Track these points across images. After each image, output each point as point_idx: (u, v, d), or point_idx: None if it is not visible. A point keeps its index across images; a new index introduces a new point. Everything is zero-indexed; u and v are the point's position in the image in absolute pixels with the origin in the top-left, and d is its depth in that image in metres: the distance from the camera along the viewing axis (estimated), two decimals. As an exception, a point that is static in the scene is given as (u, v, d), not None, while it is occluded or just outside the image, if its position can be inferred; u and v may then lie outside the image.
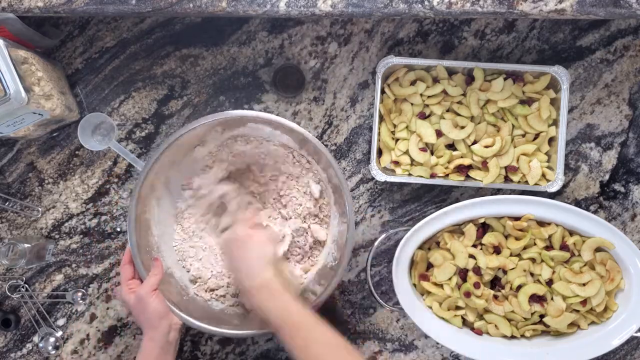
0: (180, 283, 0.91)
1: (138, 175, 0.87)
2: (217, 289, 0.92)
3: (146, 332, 0.81)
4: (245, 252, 0.79)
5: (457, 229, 0.92)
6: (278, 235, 0.90)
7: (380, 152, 0.94)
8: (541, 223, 0.91)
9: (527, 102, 0.92)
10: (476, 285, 0.89)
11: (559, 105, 0.90)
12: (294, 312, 0.73)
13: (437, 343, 0.90)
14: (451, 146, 0.93)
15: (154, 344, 0.80)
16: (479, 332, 0.91)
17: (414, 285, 0.93)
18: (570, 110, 0.96)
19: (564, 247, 0.90)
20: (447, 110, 0.93)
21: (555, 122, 0.91)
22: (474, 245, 0.91)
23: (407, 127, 0.92)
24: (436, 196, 0.98)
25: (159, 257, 0.89)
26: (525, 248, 0.90)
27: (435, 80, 0.93)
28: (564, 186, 0.97)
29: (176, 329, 0.83)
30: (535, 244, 0.91)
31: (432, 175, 0.92)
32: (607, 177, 0.97)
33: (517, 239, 0.90)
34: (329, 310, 0.98)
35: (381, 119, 0.93)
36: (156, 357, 0.79)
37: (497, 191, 0.97)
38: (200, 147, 0.90)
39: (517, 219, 0.90)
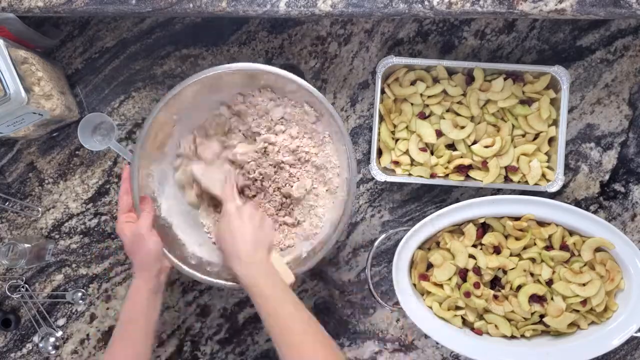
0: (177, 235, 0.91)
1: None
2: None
3: (138, 272, 0.81)
4: (258, 226, 0.83)
5: (457, 229, 0.92)
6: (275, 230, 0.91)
7: (380, 152, 0.94)
8: (541, 223, 0.91)
9: (527, 102, 0.92)
10: (476, 285, 0.89)
11: (559, 105, 0.90)
12: (279, 295, 0.77)
13: (437, 343, 0.90)
14: (451, 146, 0.93)
15: (145, 284, 0.80)
16: (479, 332, 0.91)
17: (414, 285, 0.93)
18: (570, 110, 0.96)
19: (564, 247, 0.90)
20: (447, 110, 0.93)
21: (555, 122, 0.91)
22: (474, 245, 0.91)
23: (407, 127, 0.92)
24: (436, 196, 0.98)
25: (147, 196, 0.86)
26: (525, 248, 0.91)
27: (435, 80, 0.93)
28: (564, 186, 0.97)
29: (166, 272, 0.84)
30: (535, 244, 0.91)
31: (432, 175, 0.92)
32: (607, 177, 0.97)
33: (517, 239, 0.90)
34: (328, 310, 0.99)
35: (381, 119, 0.93)
36: (147, 298, 0.80)
37: (497, 191, 0.97)
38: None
39: (517, 219, 0.90)
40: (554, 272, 0.90)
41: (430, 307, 0.92)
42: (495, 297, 0.90)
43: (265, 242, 0.83)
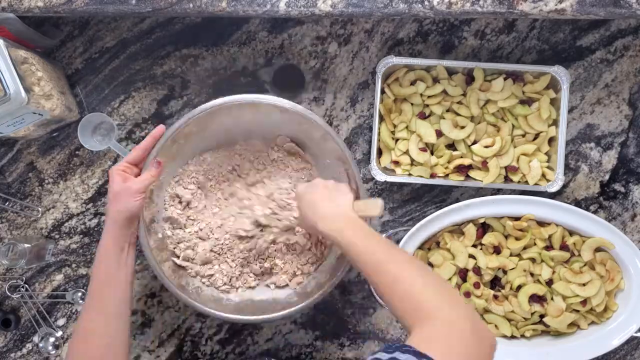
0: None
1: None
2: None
3: (109, 225, 0.78)
4: (337, 192, 0.80)
5: (457, 229, 0.92)
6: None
7: (380, 152, 0.94)
8: (541, 223, 0.91)
9: (527, 102, 0.92)
10: (476, 285, 0.89)
11: (559, 105, 0.90)
12: (380, 246, 0.70)
13: (437, 343, 0.90)
14: (451, 146, 0.93)
15: (115, 242, 0.78)
16: (479, 332, 0.91)
17: (414, 285, 0.93)
18: (570, 110, 0.96)
19: (564, 247, 0.90)
20: (447, 110, 0.93)
21: (555, 122, 0.91)
22: (474, 245, 0.91)
23: (407, 127, 0.92)
24: (436, 196, 0.98)
25: (162, 161, 0.84)
26: (525, 248, 0.91)
27: (435, 80, 0.93)
28: (564, 186, 0.97)
29: (135, 233, 0.82)
30: (535, 244, 0.91)
31: (432, 175, 0.92)
32: (607, 177, 0.97)
33: (517, 239, 0.90)
34: (328, 310, 0.99)
35: (381, 119, 0.93)
36: (118, 255, 0.77)
37: (497, 191, 0.97)
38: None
39: (517, 219, 0.90)
40: (554, 272, 0.90)
41: (430, 307, 0.92)
42: (495, 297, 0.90)
43: (347, 200, 0.78)
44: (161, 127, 0.83)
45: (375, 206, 0.79)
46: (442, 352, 0.54)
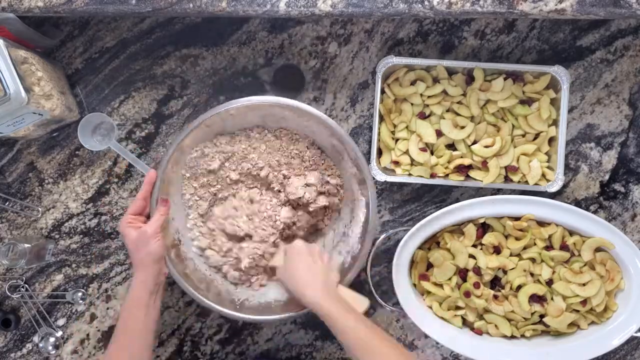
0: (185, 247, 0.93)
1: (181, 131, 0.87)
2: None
3: (138, 271, 0.82)
4: (317, 267, 0.84)
5: (457, 229, 0.92)
6: (339, 265, 0.92)
7: (380, 152, 0.94)
8: (541, 223, 0.91)
9: (527, 102, 0.92)
10: (476, 285, 0.89)
11: (559, 105, 0.90)
12: (360, 329, 0.77)
13: (437, 343, 0.90)
14: (451, 146, 0.93)
15: (145, 285, 0.81)
16: (479, 332, 0.91)
17: (414, 285, 0.93)
18: (570, 110, 0.96)
19: (564, 247, 0.90)
20: (447, 110, 0.93)
21: (555, 122, 0.91)
22: (474, 245, 0.91)
23: (407, 127, 0.92)
24: (436, 196, 0.98)
25: (169, 199, 0.88)
26: (525, 248, 0.91)
27: (435, 80, 0.93)
28: (564, 186, 0.97)
29: (164, 273, 0.85)
30: (535, 244, 0.91)
31: (432, 175, 0.92)
32: (607, 177, 0.97)
33: (517, 239, 0.90)
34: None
35: (381, 119, 0.93)
36: (147, 300, 0.81)
37: (497, 191, 0.97)
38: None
39: (517, 219, 0.90)
40: (554, 272, 0.90)
41: (430, 307, 0.92)
42: (495, 297, 0.90)
43: (334, 278, 0.84)
44: (152, 172, 0.86)
45: (362, 304, 0.85)
46: None
